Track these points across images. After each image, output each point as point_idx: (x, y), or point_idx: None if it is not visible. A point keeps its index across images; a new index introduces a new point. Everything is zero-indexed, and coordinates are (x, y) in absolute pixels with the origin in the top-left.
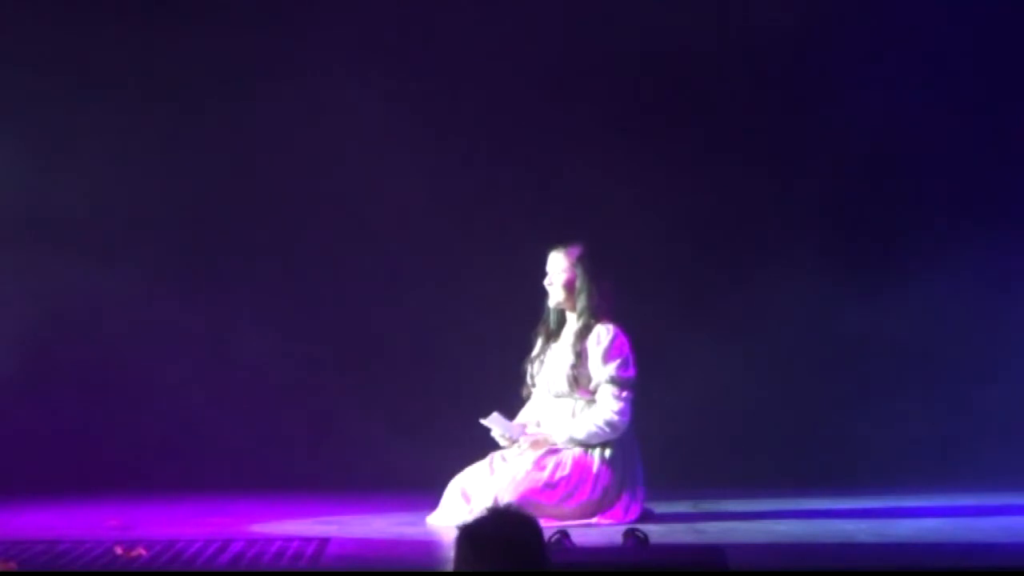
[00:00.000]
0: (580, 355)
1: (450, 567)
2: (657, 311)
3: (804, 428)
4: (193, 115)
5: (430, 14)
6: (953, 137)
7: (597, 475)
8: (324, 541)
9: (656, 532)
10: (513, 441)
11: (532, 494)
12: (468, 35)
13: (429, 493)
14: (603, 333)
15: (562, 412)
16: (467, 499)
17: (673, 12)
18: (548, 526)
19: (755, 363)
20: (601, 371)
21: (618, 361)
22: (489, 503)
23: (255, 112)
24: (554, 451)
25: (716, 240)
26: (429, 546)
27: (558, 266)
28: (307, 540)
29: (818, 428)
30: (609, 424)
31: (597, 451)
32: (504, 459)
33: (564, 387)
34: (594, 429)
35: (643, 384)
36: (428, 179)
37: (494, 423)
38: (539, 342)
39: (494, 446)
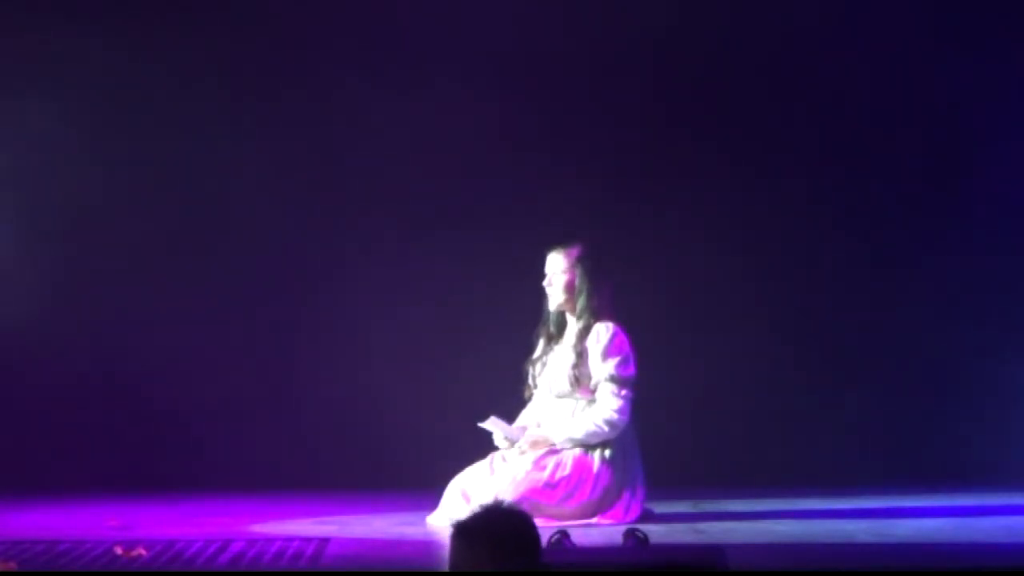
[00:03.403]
0: (581, 355)
1: (448, 567)
2: (657, 310)
3: (804, 428)
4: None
5: (432, 17)
6: (970, 135)
7: (597, 475)
8: (324, 541)
9: (656, 532)
10: (513, 443)
11: (532, 494)
12: (470, 34)
13: (429, 493)
14: (602, 331)
15: (563, 413)
16: (467, 499)
17: (676, 13)
18: (548, 526)
19: (756, 363)
20: (600, 369)
21: (617, 359)
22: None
23: (254, 112)
24: (554, 451)
25: (717, 240)
26: (429, 546)
27: (558, 267)
28: (307, 540)
29: (818, 428)
30: (608, 423)
31: (597, 451)
32: (504, 459)
33: (566, 387)
34: (593, 428)
35: (643, 383)
36: (427, 179)
37: (493, 426)
38: (540, 344)
39: (494, 446)
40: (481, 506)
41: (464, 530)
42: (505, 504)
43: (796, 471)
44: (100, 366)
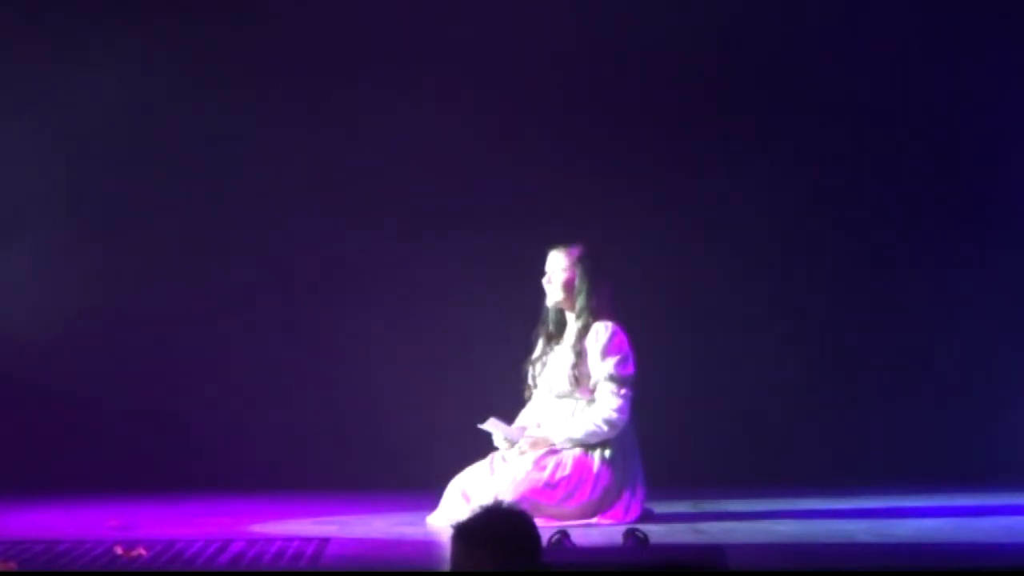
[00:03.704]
0: (580, 354)
1: (449, 567)
2: (657, 310)
3: (804, 428)
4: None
5: (432, 17)
6: (962, 132)
7: (597, 475)
8: (324, 541)
9: (656, 532)
10: (513, 444)
11: (532, 494)
12: (470, 34)
13: (429, 493)
14: (601, 330)
15: (563, 412)
16: (467, 499)
17: (677, 13)
18: (548, 526)
19: (756, 363)
20: (600, 368)
21: (617, 358)
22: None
23: (254, 112)
24: (554, 451)
25: (717, 240)
26: (429, 546)
27: (558, 265)
28: (307, 540)
29: (818, 428)
30: (607, 422)
31: (597, 451)
32: (504, 460)
33: (566, 387)
34: (592, 428)
35: (643, 383)
36: (427, 179)
37: (492, 427)
38: (540, 344)
39: (494, 447)
40: (481, 507)
41: (464, 531)
42: (505, 504)
43: (796, 471)
44: (100, 366)
